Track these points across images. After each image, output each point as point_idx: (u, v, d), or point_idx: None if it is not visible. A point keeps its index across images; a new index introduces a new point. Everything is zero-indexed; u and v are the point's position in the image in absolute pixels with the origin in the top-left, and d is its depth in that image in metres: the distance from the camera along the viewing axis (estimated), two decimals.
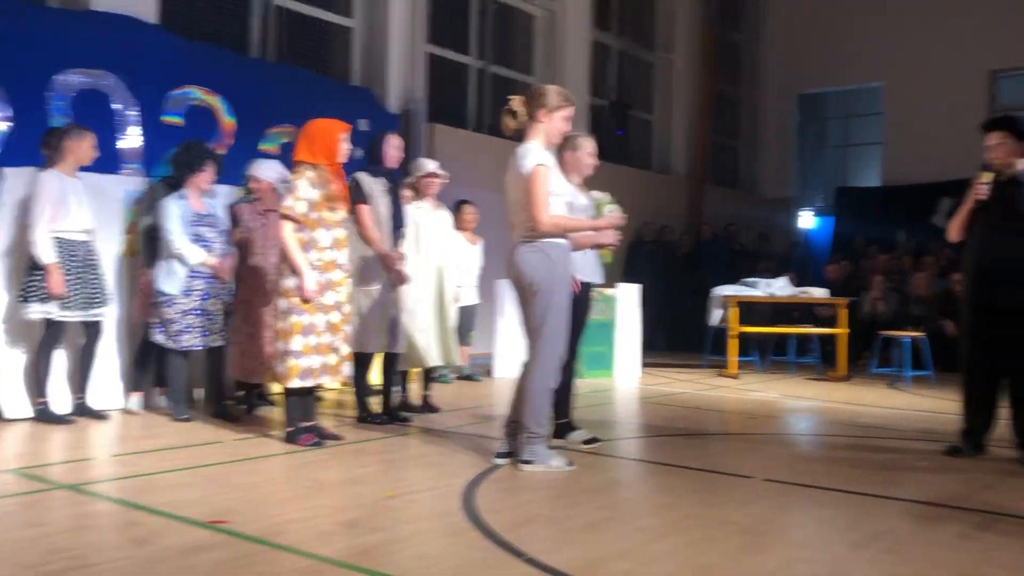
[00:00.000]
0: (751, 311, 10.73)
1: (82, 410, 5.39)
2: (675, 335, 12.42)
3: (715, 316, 9.22)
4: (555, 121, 4.30)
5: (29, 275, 5.14)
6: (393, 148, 5.62)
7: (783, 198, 16.13)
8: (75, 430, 5.04)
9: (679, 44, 14.04)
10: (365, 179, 5.50)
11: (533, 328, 4.23)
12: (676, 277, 12.43)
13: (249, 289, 5.81)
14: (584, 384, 7.93)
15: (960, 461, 4.83)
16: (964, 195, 5.01)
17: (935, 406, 7.21)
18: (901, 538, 3.23)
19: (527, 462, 4.21)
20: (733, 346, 8.93)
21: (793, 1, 15.52)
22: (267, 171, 6.04)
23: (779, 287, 9.12)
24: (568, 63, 11.84)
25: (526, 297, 4.26)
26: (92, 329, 5.40)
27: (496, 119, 11.28)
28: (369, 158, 5.69)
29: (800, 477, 4.26)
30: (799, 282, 10.38)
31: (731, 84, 15.61)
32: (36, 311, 5.11)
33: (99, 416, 5.38)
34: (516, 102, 4.33)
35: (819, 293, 9.32)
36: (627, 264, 12.21)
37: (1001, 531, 3.39)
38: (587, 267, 4.88)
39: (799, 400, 7.50)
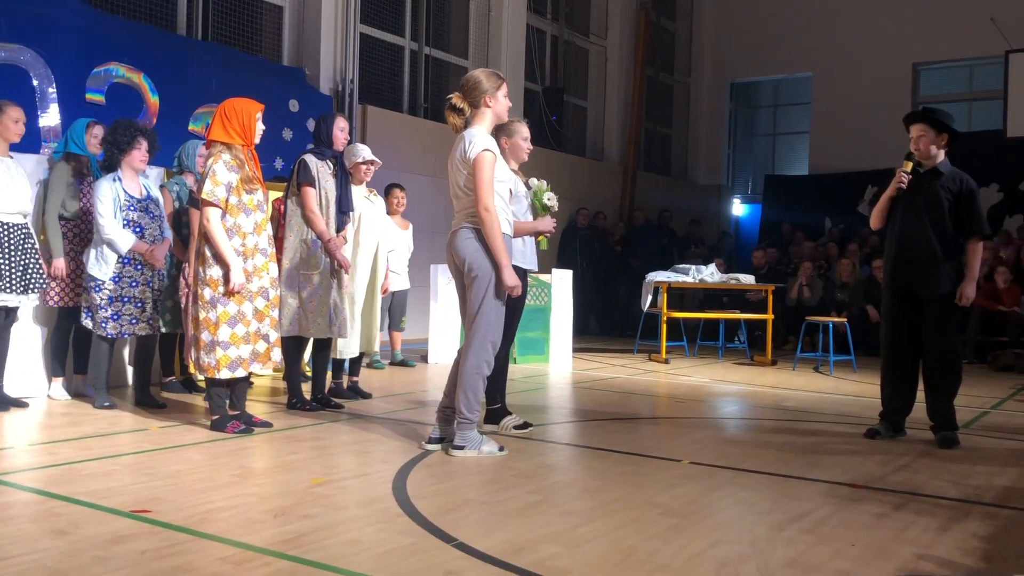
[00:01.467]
0: (682, 297, 10.93)
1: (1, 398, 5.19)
2: (608, 320, 12.59)
3: (647, 301, 9.34)
4: (500, 101, 4.32)
5: None
6: (340, 130, 5.57)
7: (714, 185, 16.42)
8: (6, 416, 4.88)
9: (614, 31, 14.13)
10: (312, 161, 5.43)
11: (470, 313, 4.24)
12: (609, 263, 12.57)
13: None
14: (518, 369, 7.98)
15: (879, 443, 4.99)
16: (887, 184, 5.17)
17: (857, 390, 7.44)
18: (821, 518, 3.33)
19: (459, 447, 4.23)
20: (663, 331, 9.07)
21: None
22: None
23: (709, 273, 9.28)
24: (503, 47, 11.83)
25: (464, 282, 4.27)
26: (8, 315, 5.20)
27: (431, 102, 11.22)
28: (316, 140, 5.61)
29: (726, 460, 4.35)
30: (728, 268, 10.60)
31: (665, 72, 15.78)
32: None
33: (18, 404, 5.20)
34: (457, 99, 4.29)
35: (747, 279, 9.51)
36: (561, 250, 12.29)
37: (915, 510, 3.51)
38: (524, 254, 4.89)
39: (727, 384, 7.66)
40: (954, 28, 13.57)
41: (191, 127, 7.95)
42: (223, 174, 4.56)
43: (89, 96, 7.16)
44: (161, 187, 5.95)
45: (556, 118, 12.99)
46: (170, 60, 7.83)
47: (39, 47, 6.77)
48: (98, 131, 5.68)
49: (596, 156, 14.09)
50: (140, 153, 5.43)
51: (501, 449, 4.30)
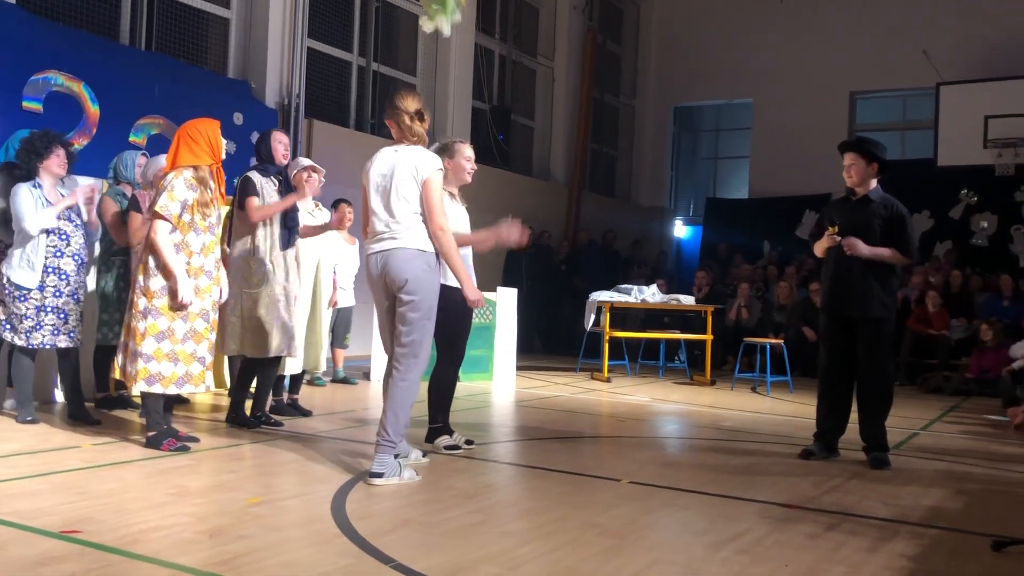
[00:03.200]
0: (625, 316, 11.05)
1: None
2: (551, 338, 12.66)
3: (590, 320, 9.42)
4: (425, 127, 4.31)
5: None
6: (280, 144, 5.52)
7: (657, 207, 16.65)
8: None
9: (561, 52, 14.29)
10: (256, 177, 5.39)
11: (404, 336, 4.09)
12: (554, 281, 12.65)
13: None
14: (461, 387, 7.91)
15: (812, 464, 5.11)
16: (823, 214, 5.33)
17: (792, 410, 7.59)
18: (755, 539, 3.39)
19: (377, 475, 3.99)
20: (606, 350, 9.15)
21: (671, 16, 16.04)
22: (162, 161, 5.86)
23: (650, 294, 9.41)
24: (451, 65, 11.87)
25: (394, 304, 4.15)
26: None
27: (378, 117, 11.20)
28: (258, 156, 5.56)
29: (665, 480, 4.41)
30: (669, 289, 10.75)
31: (611, 94, 15.99)
32: None
33: None
34: (425, 109, 4.28)
35: (688, 300, 9.66)
36: (506, 268, 12.33)
37: (847, 530, 3.60)
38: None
39: (667, 403, 7.76)
40: (890, 60, 14.03)
41: (132, 138, 7.83)
42: (181, 191, 4.55)
43: (26, 104, 7.01)
44: (103, 196, 5.84)
45: (503, 137, 13.07)
46: (112, 69, 7.71)
47: None
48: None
49: (542, 175, 14.19)
50: (59, 159, 5.33)
51: (416, 475, 4.15)
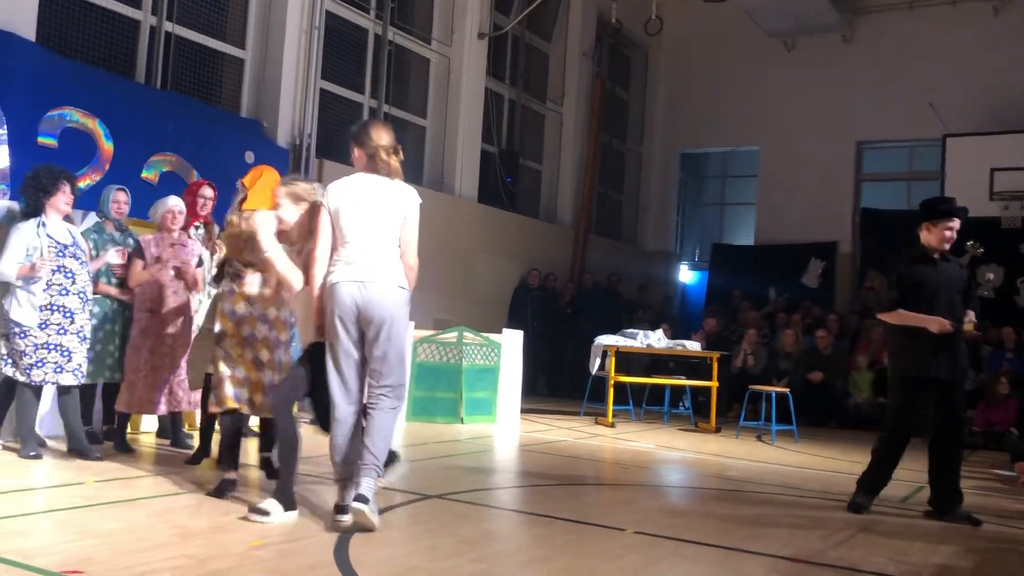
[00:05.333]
0: (629, 360, 11.00)
1: None
2: (556, 381, 12.61)
3: (595, 364, 9.40)
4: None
5: None
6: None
7: (663, 251, 16.69)
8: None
9: (570, 98, 14.43)
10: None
11: (388, 370, 4.02)
12: (559, 324, 12.64)
13: (160, 321, 5.67)
14: (464, 430, 7.94)
15: (818, 517, 5.05)
16: (901, 275, 5.23)
17: (798, 460, 7.53)
18: None
19: (364, 499, 3.86)
20: (611, 395, 9.11)
21: (679, 64, 16.21)
22: (170, 201, 5.89)
23: (656, 339, 9.40)
24: (462, 108, 11.99)
25: (374, 335, 4.00)
26: None
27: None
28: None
29: (669, 530, 4.36)
30: (673, 334, 10.72)
31: (618, 139, 16.12)
32: None
33: None
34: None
35: (693, 346, 9.64)
36: (511, 309, 12.34)
37: None
38: None
39: (671, 451, 7.70)
40: (896, 111, 14.13)
41: (144, 174, 7.89)
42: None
43: (41, 140, 7.08)
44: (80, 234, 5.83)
45: (511, 180, 13.16)
46: (127, 107, 7.80)
47: None
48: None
49: (549, 218, 14.26)
50: (65, 196, 5.36)
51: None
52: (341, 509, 3.97)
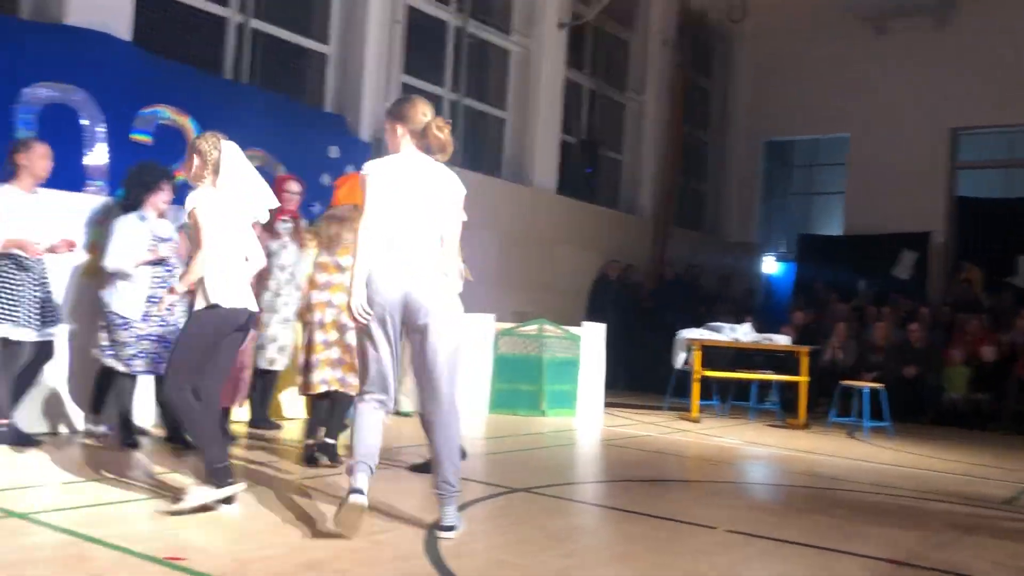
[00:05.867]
0: (713, 354, 10.81)
1: (15, 433, 5.10)
2: (636, 374, 12.44)
3: (679, 358, 9.25)
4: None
5: None
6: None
7: (746, 242, 16.34)
8: (26, 454, 4.87)
9: (651, 87, 14.23)
10: None
11: (440, 372, 3.67)
12: (639, 316, 12.49)
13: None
14: (547, 423, 7.91)
15: (916, 517, 4.86)
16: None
17: (893, 458, 7.28)
18: None
19: (451, 528, 3.64)
20: (696, 390, 8.96)
21: (763, 50, 15.82)
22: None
23: (743, 332, 9.19)
24: (541, 99, 11.93)
25: (420, 334, 3.69)
26: (43, 349, 5.20)
27: (469, 152, 11.32)
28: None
29: (761, 529, 4.25)
30: (759, 327, 10.47)
31: (700, 128, 15.84)
32: None
33: (32, 441, 5.12)
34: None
35: (782, 340, 9.40)
36: (591, 301, 12.25)
37: None
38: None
39: (759, 447, 7.53)
40: (994, 95, 13.52)
41: None
42: None
43: (135, 136, 7.28)
44: (179, 227, 5.98)
45: (591, 170, 13.05)
46: (215, 103, 7.95)
47: (90, 88, 6.90)
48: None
49: (629, 209, 14.10)
50: (165, 195, 5.50)
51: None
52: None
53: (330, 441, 5.17)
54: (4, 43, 6.46)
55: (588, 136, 13.28)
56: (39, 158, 5.10)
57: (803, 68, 15.24)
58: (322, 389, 5.10)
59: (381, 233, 3.65)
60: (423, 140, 3.77)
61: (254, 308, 4.16)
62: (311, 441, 5.18)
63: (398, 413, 7.58)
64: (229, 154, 4.13)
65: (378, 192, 3.65)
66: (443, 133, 3.76)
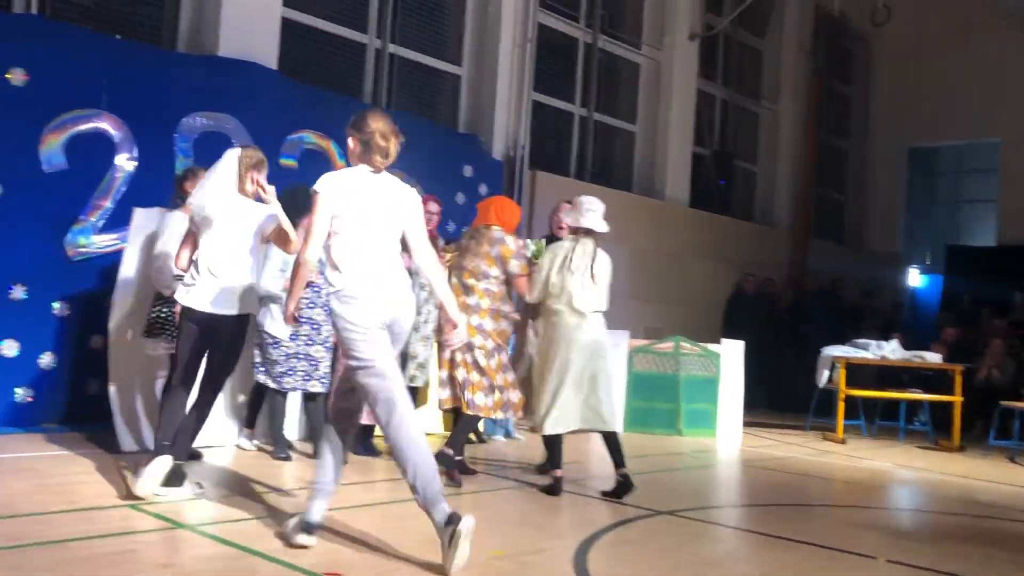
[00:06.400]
0: (855, 372, 10.36)
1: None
2: (774, 391, 12.05)
3: (823, 377, 8.89)
4: None
5: (155, 310, 5.25)
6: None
7: (889, 254, 15.63)
8: (190, 466, 5.11)
9: (786, 95, 13.84)
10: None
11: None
12: (777, 332, 12.10)
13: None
14: (685, 443, 7.75)
15: None
16: None
17: None
18: None
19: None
20: (841, 409, 8.59)
21: (905, 53, 15.13)
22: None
23: (891, 350, 8.77)
24: (672, 112, 11.78)
25: (398, 341, 3.73)
26: None
27: (597, 166, 11.29)
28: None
29: (924, 559, 4.01)
30: (907, 343, 9.95)
31: (838, 136, 15.29)
32: (162, 347, 5.22)
33: (194, 454, 5.36)
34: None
35: (933, 357, 8.91)
36: (726, 316, 11.96)
37: None
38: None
39: (912, 471, 7.15)
40: None
41: None
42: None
43: (283, 161, 7.60)
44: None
45: (724, 182, 12.77)
46: None
47: (242, 116, 7.25)
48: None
49: (765, 221, 13.72)
50: None
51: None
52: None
53: (447, 450, 5.16)
54: (164, 76, 6.86)
55: (721, 147, 13.02)
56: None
57: (948, 71, 14.50)
58: (447, 406, 5.30)
59: (342, 249, 3.57)
60: (368, 152, 3.69)
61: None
62: (456, 455, 5.26)
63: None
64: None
65: (328, 211, 3.56)
66: (385, 141, 3.68)
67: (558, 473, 4.95)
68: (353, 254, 3.57)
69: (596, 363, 4.99)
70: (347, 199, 3.58)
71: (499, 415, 5.23)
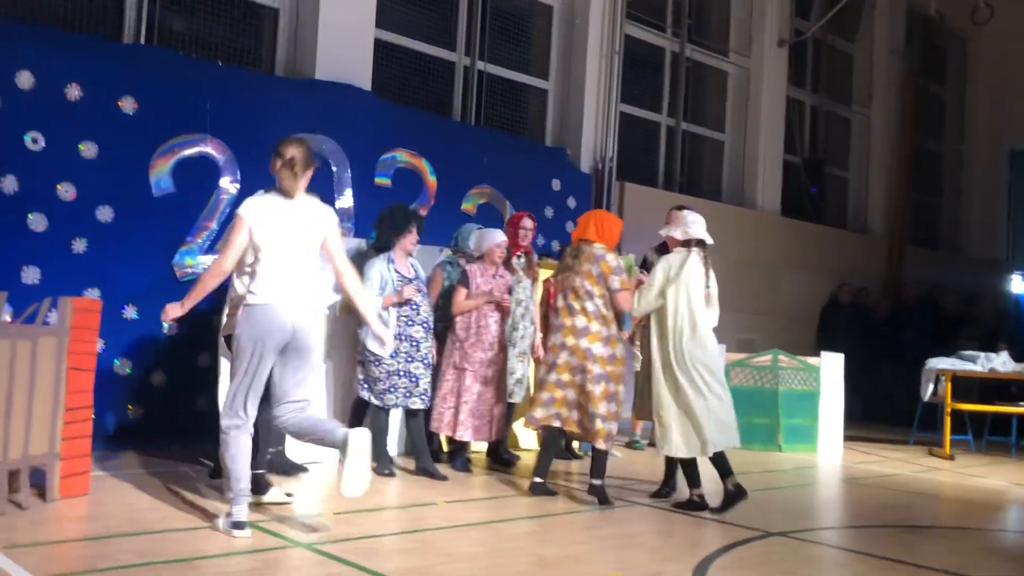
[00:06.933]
0: (958, 384, 9.95)
1: (281, 461, 5.48)
2: (873, 405, 11.68)
3: (927, 390, 8.57)
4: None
5: None
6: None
7: (991, 259, 15.02)
8: (295, 482, 5.22)
9: (878, 99, 13.46)
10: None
11: (308, 377, 4.21)
12: (874, 343, 11.73)
13: (483, 349, 5.93)
14: (786, 459, 7.56)
15: None
16: None
17: None
18: None
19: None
20: (947, 424, 8.26)
21: (1004, 52, 14.55)
22: (497, 236, 6.14)
23: (1001, 362, 8.39)
24: (762, 119, 11.57)
25: (295, 353, 4.07)
26: None
27: (686, 176, 11.15)
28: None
29: None
30: (1014, 354, 9.50)
31: (934, 139, 14.79)
32: None
33: (301, 469, 5.48)
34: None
35: None
36: (821, 327, 11.66)
37: None
38: None
39: None
40: None
41: (464, 206, 8.34)
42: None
43: (378, 180, 7.71)
44: (434, 267, 6.23)
45: (816, 190, 12.47)
46: (446, 145, 8.29)
47: (338, 137, 7.39)
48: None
49: (859, 228, 13.34)
50: (412, 237, 5.76)
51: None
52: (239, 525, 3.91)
53: (538, 480, 5.23)
54: (264, 99, 7.04)
55: (812, 154, 12.72)
56: None
57: None
58: (544, 423, 5.21)
59: (263, 268, 3.95)
60: (293, 180, 3.99)
61: None
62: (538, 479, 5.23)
63: (631, 445, 7.51)
64: None
65: (246, 233, 3.93)
66: (282, 172, 3.97)
67: (700, 491, 4.95)
68: (264, 272, 3.94)
69: (720, 381, 4.96)
70: (263, 220, 3.94)
71: (600, 445, 5.05)
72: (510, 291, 6.17)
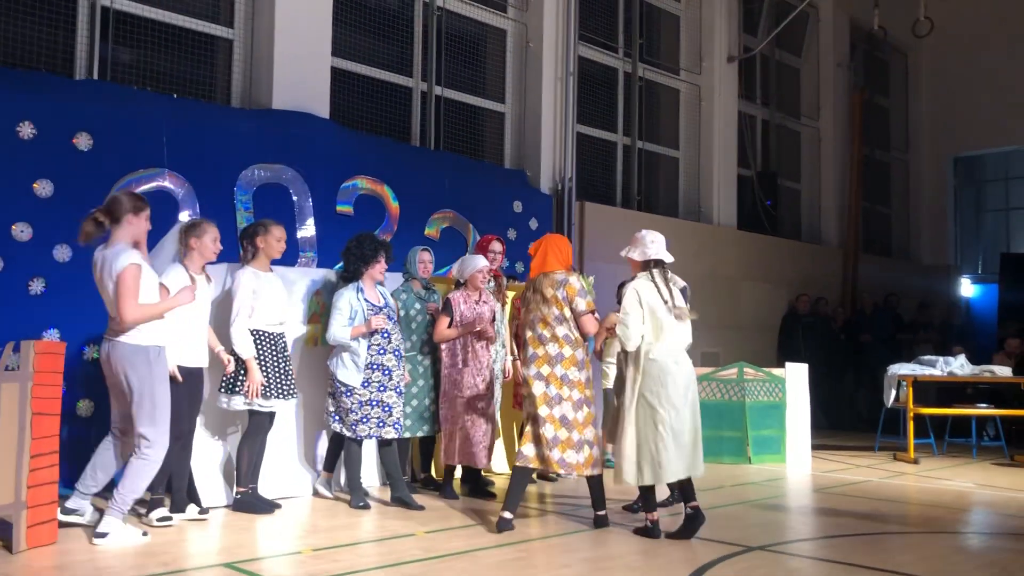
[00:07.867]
0: (918, 388, 10.15)
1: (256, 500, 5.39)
2: (836, 412, 11.85)
3: (890, 396, 8.73)
4: (142, 222, 4.61)
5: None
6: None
7: (941, 265, 15.40)
8: (270, 519, 5.13)
9: (826, 111, 13.76)
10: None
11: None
12: (834, 351, 11.92)
13: (472, 375, 5.90)
14: (755, 471, 7.63)
15: None
16: None
17: None
18: None
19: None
20: (911, 429, 8.41)
21: (944, 63, 15.00)
22: (479, 262, 6.11)
23: (958, 366, 8.59)
24: (715, 135, 11.75)
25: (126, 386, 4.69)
26: (271, 420, 5.47)
27: (643, 194, 11.26)
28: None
29: None
30: (969, 356, 9.72)
31: (881, 149, 15.14)
32: (239, 402, 5.27)
33: (273, 505, 5.39)
34: (100, 214, 4.54)
35: (1003, 371, 8.71)
36: (781, 338, 11.82)
37: None
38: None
39: (995, 490, 6.96)
40: None
41: (427, 231, 8.33)
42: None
43: (339, 208, 7.66)
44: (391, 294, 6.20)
45: (770, 202, 12.68)
46: (407, 170, 8.27)
47: (298, 166, 7.34)
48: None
49: (813, 239, 13.58)
50: (381, 265, 5.74)
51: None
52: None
53: (507, 515, 5.06)
54: (221, 131, 6.97)
55: (765, 167, 12.94)
56: (275, 241, 5.44)
57: (988, 78, 14.34)
58: (533, 465, 5.04)
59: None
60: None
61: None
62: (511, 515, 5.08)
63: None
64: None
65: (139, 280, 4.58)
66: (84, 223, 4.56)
67: (655, 516, 4.86)
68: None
69: (694, 406, 4.86)
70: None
71: (589, 472, 5.01)
72: (493, 318, 6.13)
